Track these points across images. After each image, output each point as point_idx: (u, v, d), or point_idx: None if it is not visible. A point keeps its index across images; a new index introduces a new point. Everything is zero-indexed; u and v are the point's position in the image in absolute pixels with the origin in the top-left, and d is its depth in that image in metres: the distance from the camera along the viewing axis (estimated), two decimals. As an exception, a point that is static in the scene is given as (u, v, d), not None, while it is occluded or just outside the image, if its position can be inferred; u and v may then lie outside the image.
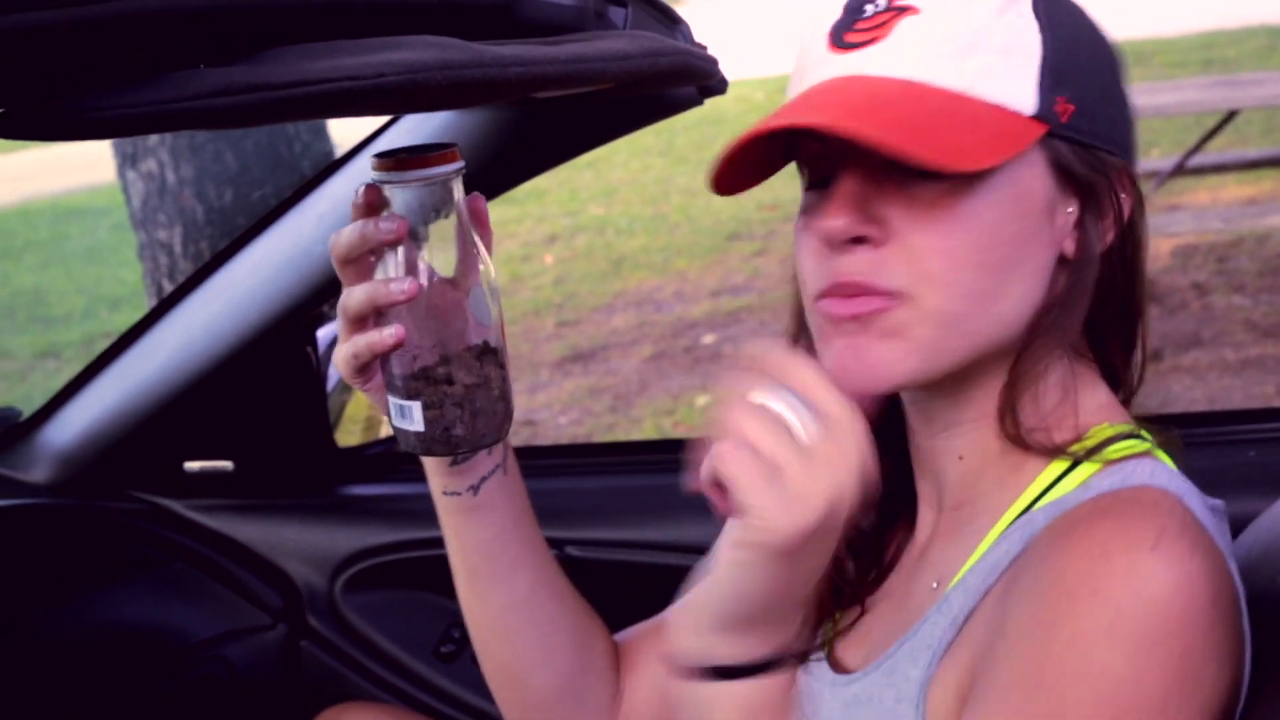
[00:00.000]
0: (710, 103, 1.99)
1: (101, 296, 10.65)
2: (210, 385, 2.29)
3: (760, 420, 1.22)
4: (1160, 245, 8.18)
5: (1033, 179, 1.38)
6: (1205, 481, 1.57)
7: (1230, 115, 7.67)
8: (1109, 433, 1.41)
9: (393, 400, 1.46)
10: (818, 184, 1.43)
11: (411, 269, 1.43)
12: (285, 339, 2.36)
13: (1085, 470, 1.38)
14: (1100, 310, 1.45)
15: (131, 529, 2.45)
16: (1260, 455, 2.07)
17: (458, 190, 1.46)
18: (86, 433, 2.38)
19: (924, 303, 1.35)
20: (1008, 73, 1.36)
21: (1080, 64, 1.41)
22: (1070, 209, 1.41)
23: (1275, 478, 1.74)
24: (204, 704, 2.39)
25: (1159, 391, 6.33)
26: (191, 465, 2.47)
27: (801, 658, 1.61)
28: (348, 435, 2.54)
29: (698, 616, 1.33)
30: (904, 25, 1.37)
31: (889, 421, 1.56)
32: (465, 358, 1.44)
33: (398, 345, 1.43)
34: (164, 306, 2.31)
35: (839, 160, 1.38)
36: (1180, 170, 7.88)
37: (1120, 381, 1.51)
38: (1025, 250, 1.38)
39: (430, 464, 1.66)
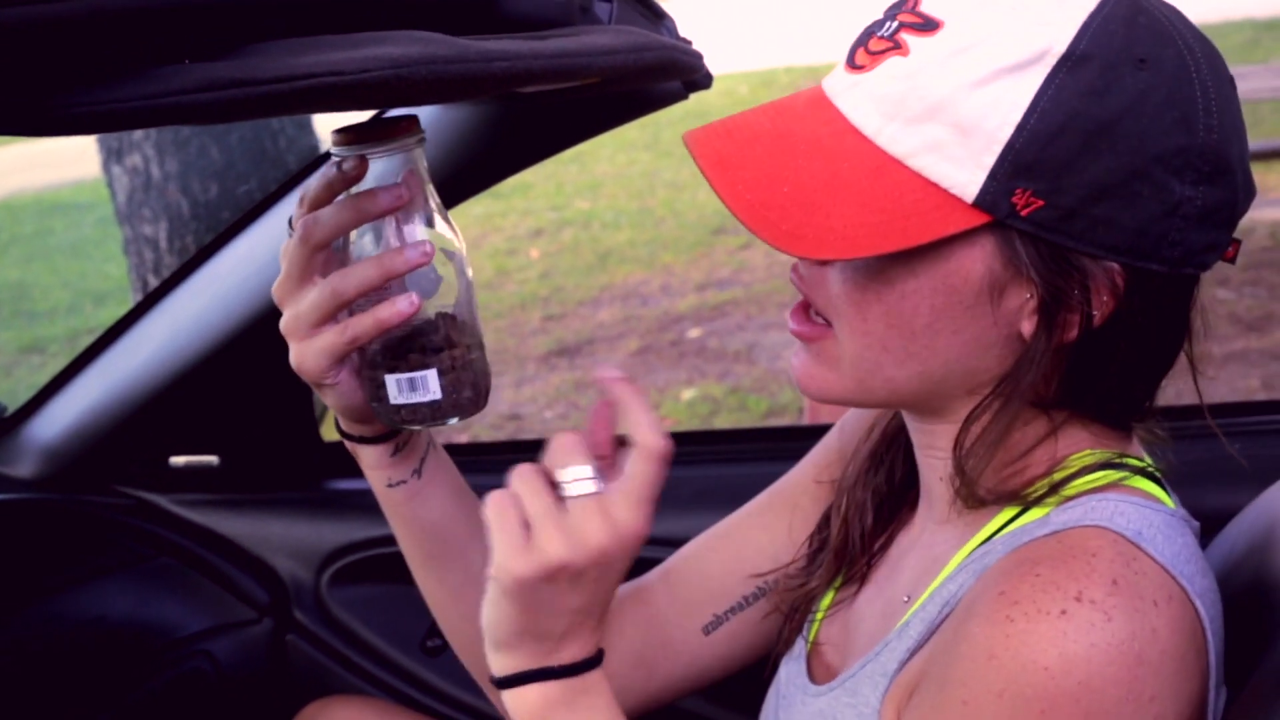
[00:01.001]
0: (696, 97, 1.99)
1: (86, 291, 10.63)
2: (195, 380, 2.29)
3: (530, 479, 1.32)
4: (1145, 239, 8.18)
5: (971, 260, 1.32)
6: (1189, 475, 1.58)
7: (1215, 109, 7.67)
8: (1087, 460, 1.39)
9: (391, 377, 1.45)
10: None
11: (407, 234, 1.46)
12: (271, 333, 2.36)
13: (1050, 502, 1.37)
14: (1083, 386, 1.40)
15: (117, 524, 2.45)
16: (1245, 449, 2.08)
17: (422, 158, 1.48)
18: (72, 427, 2.38)
19: (843, 342, 1.39)
20: (958, 152, 1.29)
21: (1061, 159, 1.27)
22: (1025, 296, 1.33)
23: (1259, 472, 1.74)
24: (190, 699, 2.39)
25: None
26: (177, 460, 2.47)
27: (788, 640, 1.64)
28: (334, 429, 2.54)
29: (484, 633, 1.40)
30: (888, 65, 1.33)
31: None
32: (452, 320, 1.47)
33: (412, 314, 1.43)
34: (149, 301, 2.31)
35: None
36: (1165, 164, 7.86)
37: (1119, 432, 1.46)
38: (953, 324, 1.35)
39: (371, 459, 1.66)
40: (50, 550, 2.37)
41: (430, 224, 1.48)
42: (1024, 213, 1.28)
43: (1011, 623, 1.23)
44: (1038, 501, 1.38)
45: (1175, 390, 1.59)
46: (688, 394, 6.81)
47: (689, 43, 1.79)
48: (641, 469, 1.30)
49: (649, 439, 1.30)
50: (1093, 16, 1.28)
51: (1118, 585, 1.24)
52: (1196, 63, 1.30)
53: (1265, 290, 7.39)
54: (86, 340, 2.42)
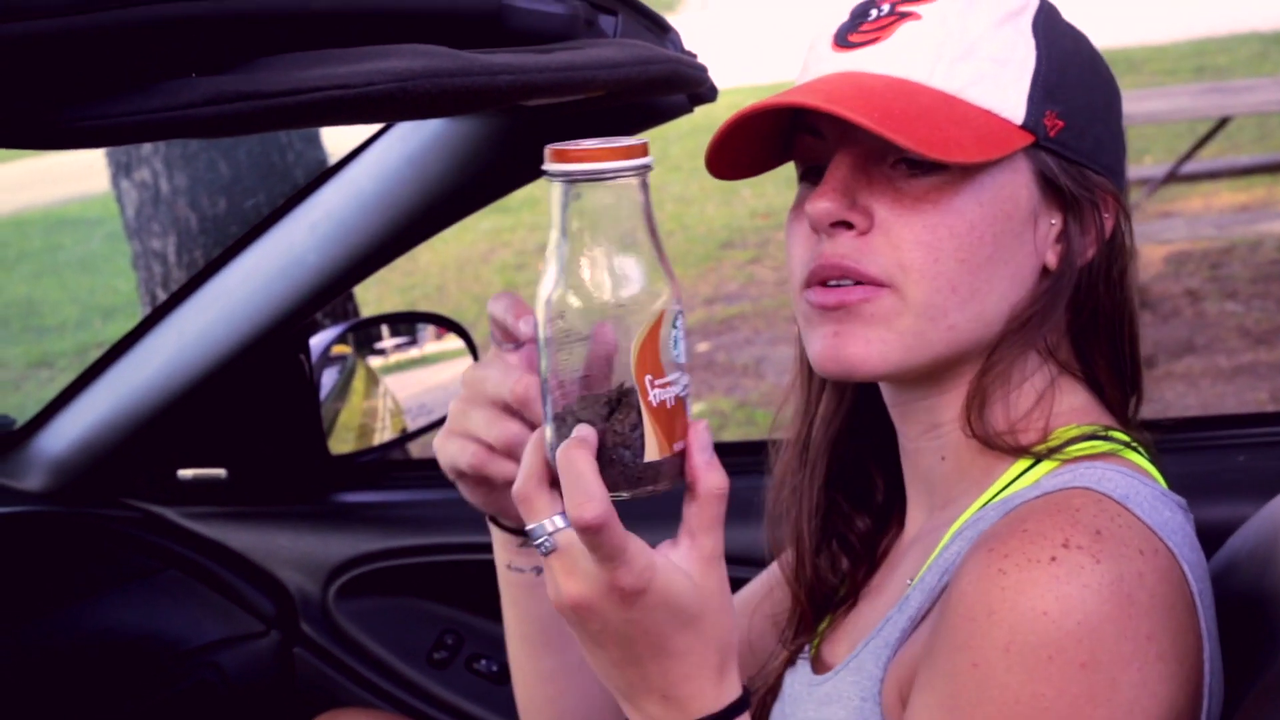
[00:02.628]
0: (704, 111, 2.00)
1: (95, 306, 10.64)
2: (203, 393, 2.30)
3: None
4: (1153, 252, 8.19)
5: (1018, 186, 1.42)
6: (1196, 486, 1.59)
7: (1222, 122, 7.68)
8: (1073, 433, 1.44)
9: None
10: (810, 176, 1.48)
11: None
12: (278, 347, 2.37)
13: (1041, 469, 1.41)
14: (1083, 323, 1.49)
15: (125, 536, 2.46)
16: (1250, 460, 2.08)
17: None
18: (80, 440, 2.38)
19: (907, 293, 1.39)
20: (999, 81, 1.40)
21: (1073, 83, 1.45)
22: (1054, 221, 1.45)
23: (1264, 482, 1.74)
24: (198, 711, 2.39)
25: (1153, 398, 6.34)
26: (185, 473, 2.47)
27: (789, 659, 1.65)
28: (341, 443, 2.55)
29: None
30: (905, 29, 1.42)
31: (880, 426, 1.58)
32: (594, 400, 1.25)
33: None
34: (157, 315, 2.32)
35: (832, 151, 1.43)
36: (1173, 177, 7.88)
37: (1107, 394, 1.52)
38: (1006, 253, 1.41)
39: (499, 538, 1.67)
40: (58, 562, 2.38)
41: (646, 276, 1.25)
42: (1053, 134, 1.42)
43: (1005, 575, 1.26)
44: (1035, 459, 1.42)
45: (1182, 405, 1.64)
46: (695, 408, 6.80)
47: (694, 56, 1.79)
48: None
49: (699, 479, 1.25)
50: None
51: (1101, 534, 1.28)
52: None
53: (1274, 304, 7.39)
54: (95, 355, 2.43)
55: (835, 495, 1.64)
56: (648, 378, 1.22)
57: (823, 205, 1.39)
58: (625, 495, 1.24)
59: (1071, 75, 1.46)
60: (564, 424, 1.24)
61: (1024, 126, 1.41)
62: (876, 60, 1.42)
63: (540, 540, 1.24)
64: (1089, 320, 1.49)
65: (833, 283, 1.41)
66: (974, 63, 1.40)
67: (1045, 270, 1.46)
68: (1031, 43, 1.43)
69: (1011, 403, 1.46)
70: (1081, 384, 1.51)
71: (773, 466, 1.69)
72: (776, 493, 1.68)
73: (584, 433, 1.21)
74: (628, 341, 1.22)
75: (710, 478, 1.24)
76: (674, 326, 1.24)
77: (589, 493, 1.18)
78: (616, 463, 1.23)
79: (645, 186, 1.24)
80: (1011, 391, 1.46)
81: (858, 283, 1.40)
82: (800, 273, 1.45)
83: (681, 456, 1.25)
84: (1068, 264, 1.45)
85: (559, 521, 1.24)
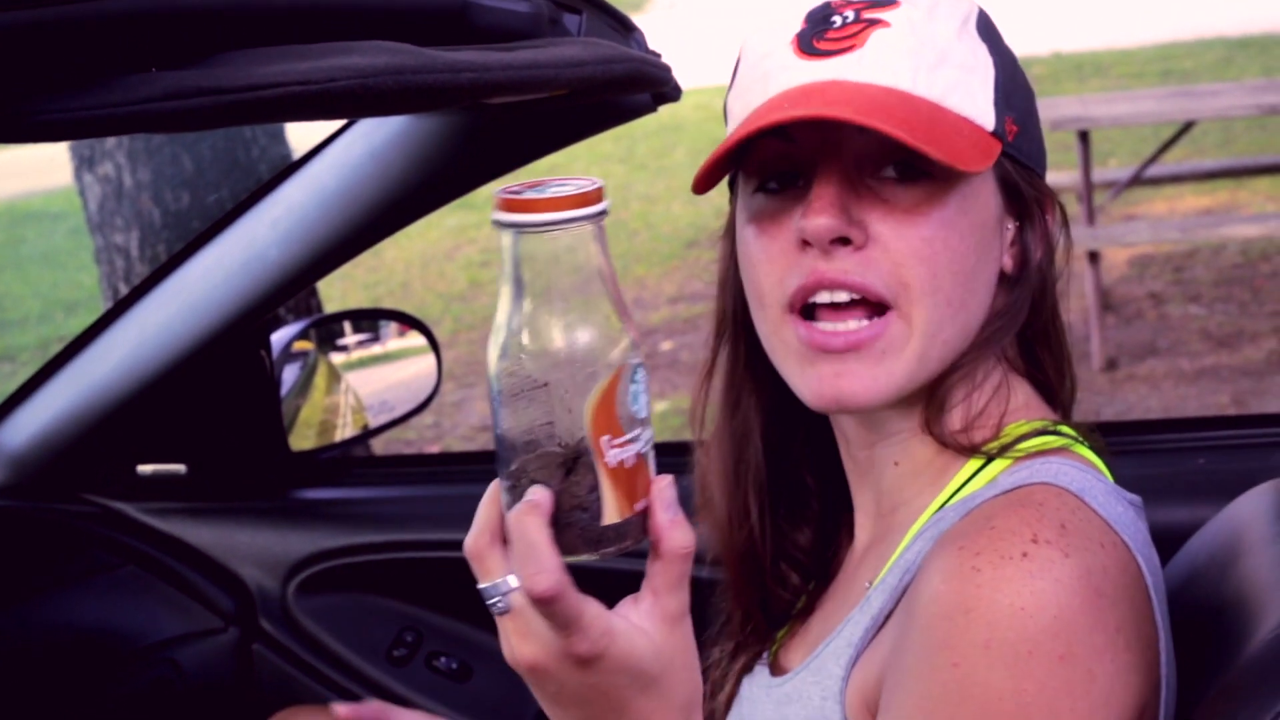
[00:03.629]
0: (669, 110, 2.00)
1: (57, 300, 10.61)
2: (164, 388, 2.29)
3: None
4: (1117, 255, 8.23)
5: (988, 193, 1.44)
6: (1156, 488, 1.60)
7: (1187, 126, 7.71)
8: (1024, 429, 1.45)
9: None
10: (774, 185, 1.45)
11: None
12: (239, 342, 2.36)
13: (996, 467, 1.43)
14: (1034, 323, 1.51)
15: (84, 532, 2.44)
16: (1210, 463, 2.09)
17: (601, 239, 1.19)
18: (39, 435, 2.37)
19: (911, 313, 1.40)
20: (970, 88, 1.41)
21: (1020, 88, 1.48)
22: (1010, 226, 1.47)
23: (1224, 485, 1.75)
24: (155, 707, 2.38)
25: (1115, 400, 6.37)
26: (145, 468, 2.46)
27: (747, 665, 1.65)
28: (301, 439, 2.54)
29: None
30: (877, 36, 1.41)
31: (820, 439, 1.59)
32: (551, 459, 1.19)
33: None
34: (119, 309, 2.31)
35: (808, 164, 1.41)
36: (1137, 180, 7.91)
37: (1052, 388, 1.55)
38: (983, 261, 1.43)
39: None
40: (16, 557, 2.37)
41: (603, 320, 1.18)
42: (1011, 140, 1.43)
43: (979, 572, 1.27)
44: (987, 457, 1.43)
45: (1144, 407, 1.67)
46: (660, 406, 6.81)
47: (657, 55, 1.79)
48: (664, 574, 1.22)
49: (663, 538, 1.21)
50: None
51: (1066, 528, 1.30)
52: None
53: (1236, 307, 7.43)
54: (57, 349, 2.42)
55: (776, 513, 1.64)
56: (604, 438, 1.16)
57: (823, 221, 1.37)
58: (585, 557, 1.19)
59: (1018, 80, 1.48)
60: (518, 483, 1.18)
61: (994, 133, 1.42)
62: (855, 68, 1.40)
63: (494, 600, 1.20)
64: (1035, 318, 1.51)
65: (825, 299, 1.40)
66: (948, 70, 1.41)
67: (1003, 275, 1.47)
68: (985, 49, 1.44)
69: (972, 402, 1.47)
70: (1024, 380, 1.52)
71: (696, 473, 1.68)
72: (706, 509, 1.67)
73: (537, 496, 1.17)
74: (581, 399, 1.15)
75: (674, 537, 1.20)
76: (633, 380, 1.18)
77: (541, 564, 1.14)
78: (574, 525, 1.17)
79: (600, 233, 1.17)
80: (974, 392, 1.47)
81: (862, 302, 1.40)
82: (779, 291, 1.43)
83: (644, 515, 1.20)
84: (1025, 268, 1.46)
85: (512, 582, 1.19)
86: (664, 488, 1.21)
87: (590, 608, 1.17)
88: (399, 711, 1.96)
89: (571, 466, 1.17)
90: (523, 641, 1.19)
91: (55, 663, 2.31)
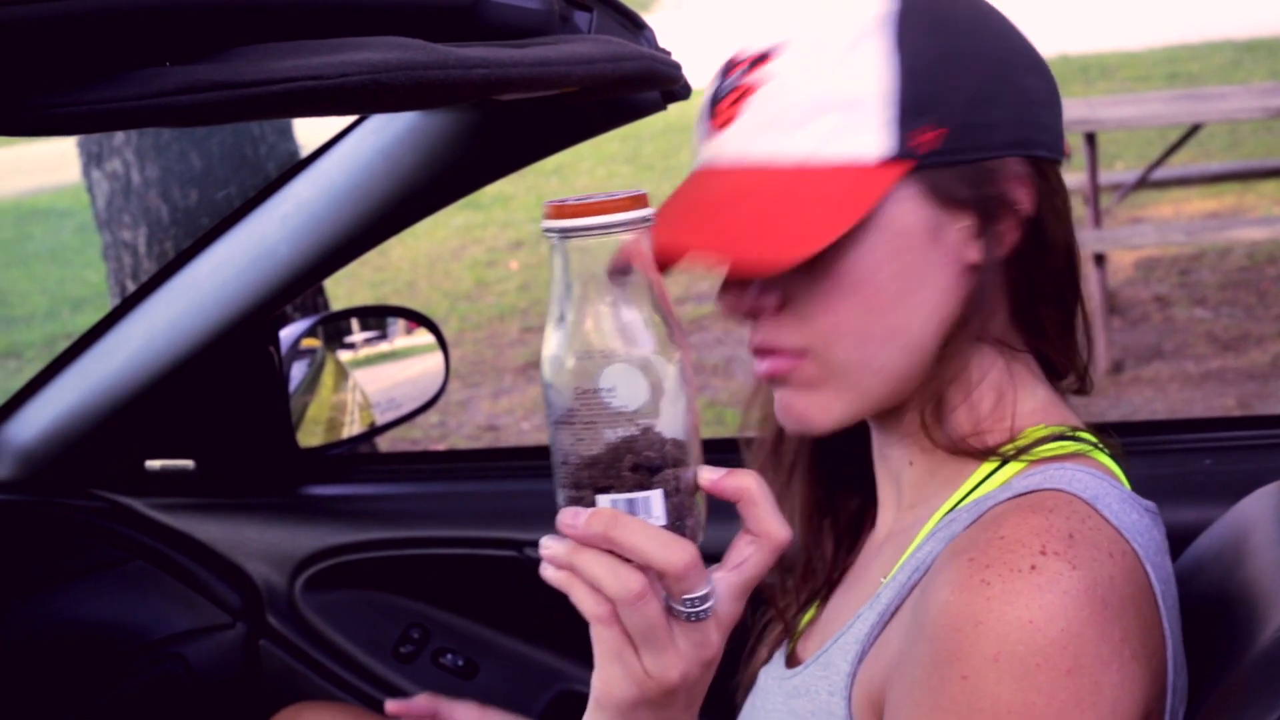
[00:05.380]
0: (676, 110, 2.00)
1: (64, 297, 10.62)
2: (172, 384, 2.29)
3: (641, 596, 1.20)
4: (1123, 257, 8.23)
5: (905, 214, 1.40)
6: (1162, 489, 1.60)
7: (1194, 129, 7.71)
8: (1042, 433, 1.45)
9: (605, 498, 1.20)
10: None
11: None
12: (248, 339, 2.37)
13: (1011, 469, 1.42)
14: (1028, 306, 1.48)
15: (92, 527, 2.45)
16: (1216, 464, 2.09)
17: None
18: (48, 430, 2.38)
19: (827, 356, 1.42)
20: (851, 127, 1.39)
21: (948, 81, 1.41)
22: (962, 224, 1.42)
23: (1230, 486, 1.76)
24: (162, 703, 2.39)
25: (1120, 403, 6.37)
26: (153, 464, 2.46)
27: (766, 657, 1.66)
28: (309, 436, 2.54)
29: None
30: (749, 104, 1.42)
31: (853, 428, 1.59)
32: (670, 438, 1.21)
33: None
34: (127, 305, 2.31)
35: None
36: (1144, 183, 7.91)
37: (1064, 375, 1.53)
38: (915, 280, 1.41)
39: None
40: (24, 552, 2.37)
41: (650, 323, 1.20)
42: (932, 148, 1.38)
43: (988, 585, 1.27)
44: (1003, 459, 1.43)
45: (1149, 410, 1.65)
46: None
47: (668, 53, 1.80)
48: (755, 564, 1.26)
49: (775, 531, 1.25)
50: None
51: (1074, 538, 1.30)
52: None
53: (1242, 310, 7.42)
54: (64, 346, 2.42)
55: (819, 485, 1.66)
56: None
57: (722, 306, 1.44)
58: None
59: (945, 72, 1.41)
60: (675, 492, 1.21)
61: (895, 158, 1.38)
62: (730, 144, 1.43)
63: (710, 604, 1.22)
64: (1029, 299, 1.48)
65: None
66: (823, 118, 1.39)
67: (973, 267, 1.44)
68: (889, 62, 1.39)
69: (974, 403, 1.46)
70: (1038, 376, 1.51)
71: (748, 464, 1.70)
72: None
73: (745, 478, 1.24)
74: (680, 394, 1.20)
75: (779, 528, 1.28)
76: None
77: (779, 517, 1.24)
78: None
79: (648, 238, 1.20)
80: (973, 392, 1.47)
81: (782, 350, 1.44)
82: None
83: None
84: (988, 257, 1.43)
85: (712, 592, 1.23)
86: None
87: None
88: (451, 705, 1.96)
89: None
90: (713, 633, 1.24)
91: (63, 657, 2.31)
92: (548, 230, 1.18)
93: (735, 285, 1.42)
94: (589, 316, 1.18)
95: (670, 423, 1.19)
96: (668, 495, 1.20)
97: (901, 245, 1.40)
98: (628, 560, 1.19)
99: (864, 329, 1.40)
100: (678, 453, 1.20)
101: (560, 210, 1.17)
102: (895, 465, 1.54)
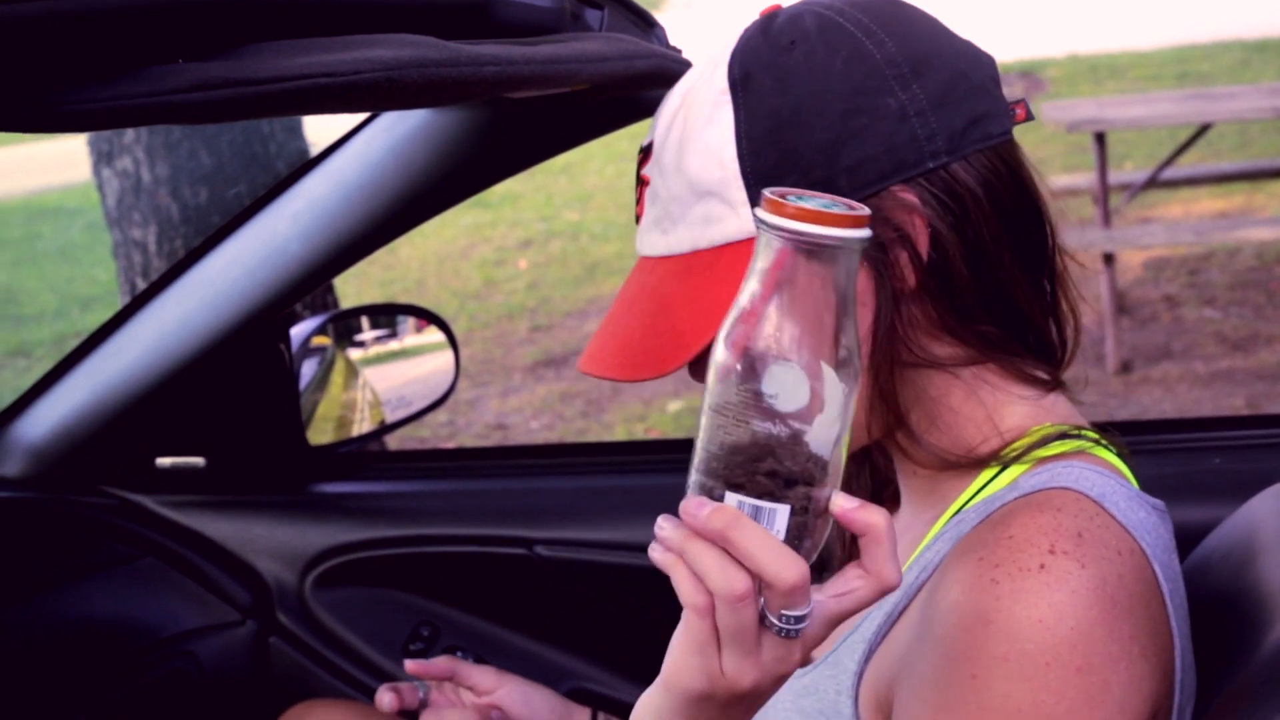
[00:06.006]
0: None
1: (73, 296, 10.62)
2: (183, 381, 2.30)
3: (743, 599, 1.17)
4: (1132, 257, 8.22)
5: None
6: (1171, 488, 1.60)
7: (1203, 129, 7.70)
8: (1046, 432, 1.44)
9: (733, 496, 1.19)
10: None
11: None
12: (259, 336, 2.37)
13: (1016, 469, 1.42)
14: (960, 324, 1.43)
15: (102, 524, 2.45)
16: (1225, 463, 2.10)
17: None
18: (59, 427, 2.38)
19: None
20: (717, 214, 1.41)
21: (795, 138, 1.39)
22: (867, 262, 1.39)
23: (1239, 485, 1.76)
24: (173, 699, 2.39)
25: (1129, 403, 6.37)
26: (163, 461, 2.47)
27: None
28: (319, 434, 2.55)
29: None
30: (647, 199, 1.48)
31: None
32: (818, 457, 1.18)
33: None
34: (138, 302, 2.32)
35: None
36: (1153, 183, 7.90)
37: (1040, 375, 1.48)
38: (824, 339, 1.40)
39: None
40: (35, 549, 2.37)
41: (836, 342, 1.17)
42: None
43: (997, 585, 1.28)
44: (1004, 463, 1.43)
45: (1158, 410, 1.64)
46: (674, 406, 6.82)
47: (679, 52, 1.80)
48: (856, 598, 1.21)
49: (889, 575, 1.20)
50: (734, 48, 1.44)
51: (1083, 537, 1.30)
52: (838, 9, 1.43)
53: (1251, 310, 7.42)
54: (73, 344, 2.42)
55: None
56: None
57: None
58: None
59: (789, 132, 1.39)
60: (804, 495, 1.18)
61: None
62: (642, 239, 1.49)
63: (801, 626, 1.19)
64: (959, 317, 1.43)
65: None
66: (694, 209, 1.41)
67: (906, 290, 1.41)
68: (729, 137, 1.40)
69: (948, 423, 1.46)
70: (1019, 383, 1.47)
71: None
72: None
73: (865, 502, 1.20)
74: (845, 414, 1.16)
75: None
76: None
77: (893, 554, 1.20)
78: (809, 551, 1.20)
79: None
80: (940, 413, 1.46)
81: None
82: None
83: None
84: (887, 294, 1.40)
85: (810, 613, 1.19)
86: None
87: None
88: (469, 668, 1.97)
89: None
90: (795, 649, 1.20)
91: (74, 654, 2.32)
92: (772, 225, 1.13)
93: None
94: (779, 317, 1.15)
95: (820, 440, 1.16)
96: (794, 512, 1.17)
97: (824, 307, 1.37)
98: (738, 561, 1.16)
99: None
100: (817, 471, 1.17)
101: (796, 213, 1.13)
102: (907, 470, 1.55)
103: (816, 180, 1.35)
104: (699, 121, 1.41)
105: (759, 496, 1.17)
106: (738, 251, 1.37)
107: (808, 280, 1.13)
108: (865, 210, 1.14)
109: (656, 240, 1.45)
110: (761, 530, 1.16)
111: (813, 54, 1.39)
